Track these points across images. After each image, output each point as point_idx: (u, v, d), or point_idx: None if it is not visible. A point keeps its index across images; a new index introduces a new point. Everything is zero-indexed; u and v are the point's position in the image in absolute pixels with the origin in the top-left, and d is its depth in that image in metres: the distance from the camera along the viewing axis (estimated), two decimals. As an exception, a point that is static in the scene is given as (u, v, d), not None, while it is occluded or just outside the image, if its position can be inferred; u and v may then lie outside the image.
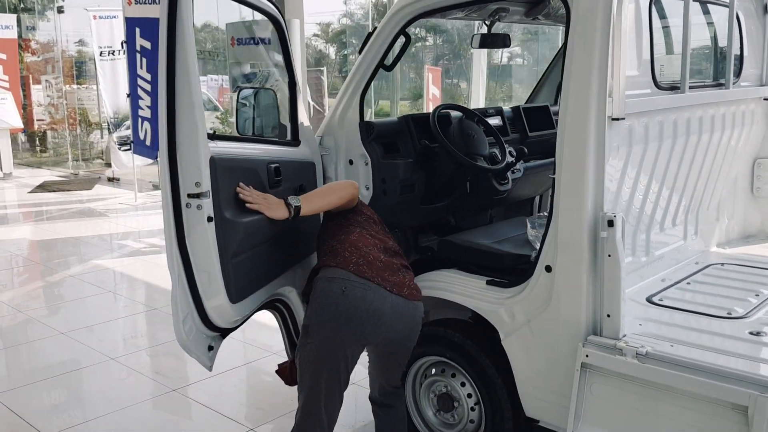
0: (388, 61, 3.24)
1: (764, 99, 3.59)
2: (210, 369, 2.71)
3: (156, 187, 11.67)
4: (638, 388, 2.36)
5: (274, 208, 2.60)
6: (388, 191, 3.36)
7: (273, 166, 2.80)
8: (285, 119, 3.27)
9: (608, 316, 2.48)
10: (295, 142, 3.17)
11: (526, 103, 4.49)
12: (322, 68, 10.13)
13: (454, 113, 3.57)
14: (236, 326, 2.76)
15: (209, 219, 2.36)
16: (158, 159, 2.47)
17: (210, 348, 2.66)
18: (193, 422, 3.79)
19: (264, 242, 2.68)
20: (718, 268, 3.26)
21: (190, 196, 2.36)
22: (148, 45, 8.50)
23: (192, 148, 2.34)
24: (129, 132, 9.78)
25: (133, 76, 8.83)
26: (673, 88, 2.92)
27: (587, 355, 2.46)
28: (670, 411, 2.29)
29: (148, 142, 9.02)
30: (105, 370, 4.39)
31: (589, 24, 2.40)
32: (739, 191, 3.73)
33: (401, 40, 3.20)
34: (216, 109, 17.77)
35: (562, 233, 2.54)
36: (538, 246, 3.05)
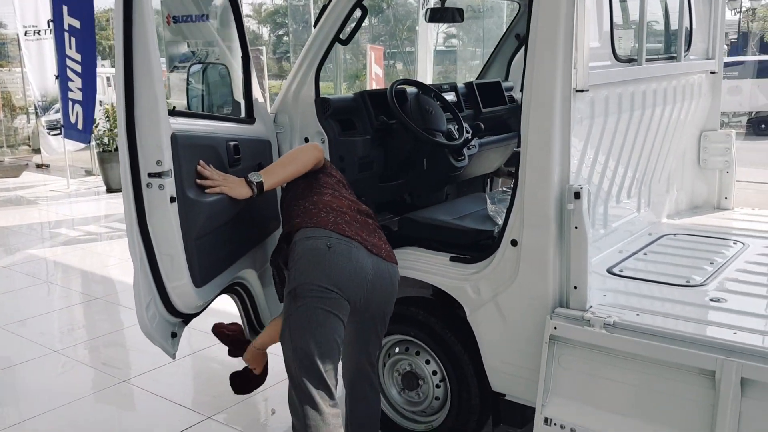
0: (345, 34, 3.15)
1: (711, 72, 3.68)
2: (173, 357, 2.60)
3: (89, 173, 11.23)
4: (606, 357, 2.39)
5: (236, 187, 2.47)
6: (347, 169, 3.29)
7: (232, 144, 2.69)
8: (238, 96, 3.15)
9: (575, 288, 2.49)
10: (250, 119, 3.06)
11: (476, 79, 4.48)
12: (261, 47, 9.88)
13: (410, 89, 3.52)
14: (199, 311, 2.65)
15: (172, 199, 2.24)
16: (117, 139, 2.31)
17: (173, 335, 2.55)
18: (146, 413, 3.66)
19: (226, 223, 2.58)
20: (671, 238, 3.34)
21: (151, 175, 2.23)
22: (77, 24, 8.13)
23: (153, 125, 2.21)
24: (59, 116, 9.35)
25: (61, 56, 8.44)
26: (631, 60, 2.94)
27: (555, 327, 2.47)
28: (639, 379, 2.32)
29: (79, 126, 8.66)
30: (47, 364, 4.19)
31: (554, -5, 2.37)
32: (687, 163, 3.82)
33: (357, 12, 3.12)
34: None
35: (528, 207, 2.53)
36: (499, 221, 3.05)
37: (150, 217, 2.25)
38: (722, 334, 2.23)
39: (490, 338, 2.74)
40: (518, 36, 4.39)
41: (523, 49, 4.47)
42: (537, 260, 2.54)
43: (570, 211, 2.44)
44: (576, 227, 2.45)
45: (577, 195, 2.42)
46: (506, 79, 4.47)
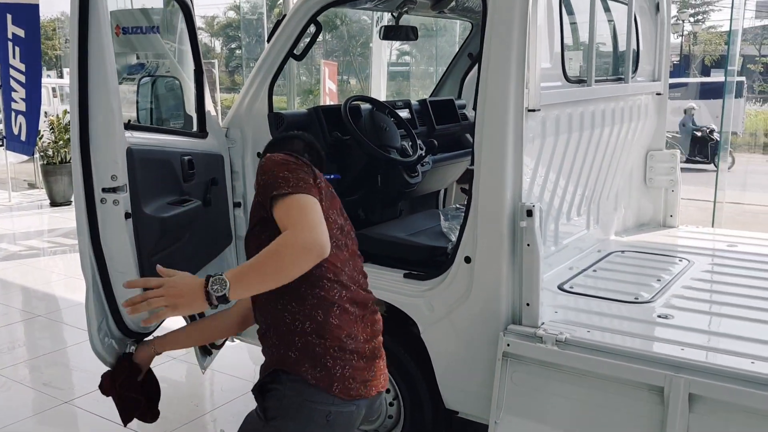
0: (299, 50, 3.14)
1: (657, 94, 3.78)
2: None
3: (32, 186, 10.89)
4: (558, 374, 2.41)
5: (187, 301, 1.66)
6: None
7: (186, 158, 2.64)
8: (189, 109, 3.10)
9: (527, 304, 2.51)
10: (202, 133, 3.01)
11: (429, 97, 4.51)
12: (213, 60, 9.77)
13: (364, 105, 3.52)
14: (152, 330, 2.57)
15: (126, 215, 2.18)
16: (71, 151, 2.21)
17: (129, 355, 2.46)
18: (90, 435, 3.54)
19: (181, 239, 2.52)
20: (619, 255, 3.40)
21: (105, 190, 2.16)
22: (21, 33, 7.89)
23: (108, 138, 2.14)
24: (0, 127, 9.05)
25: (4, 66, 8.16)
26: (580, 81, 3.00)
27: (508, 344, 2.48)
28: (590, 395, 2.34)
29: (23, 138, 8.37)
30: (-16, 385, 4.02)
31: (507, 17, 2.41)
32: (633, 182, 3.91)
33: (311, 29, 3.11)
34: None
35: (482, 224, 2.54)
36: (453, 237, 3.07)
37: (104, 234, 2.17)
38: (670, 350, 2.27)
39: (443, 355, 2.73)
40: (471, 55, 4.44)
41: (476, 68, 4.56)
42: (490, 277, 2.55)
43: (523, 229, 2.47)
44: (528, 244, 2.47)
45: (530, 213, 2.45)
46: (459, 97, 4.51)
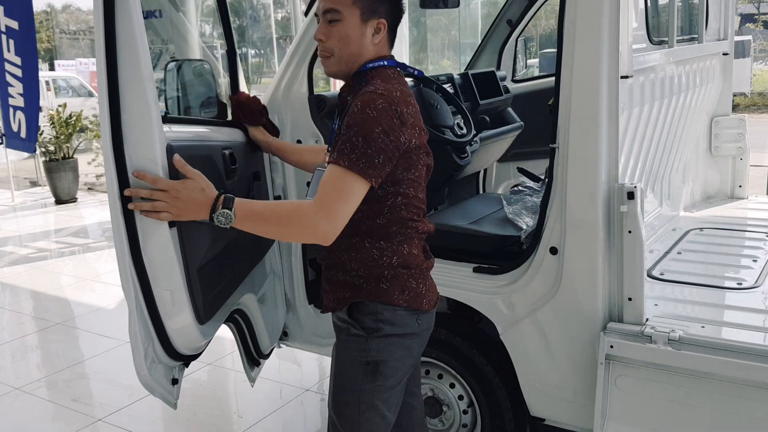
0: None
1: (723, 54, 3.46)
2: (175, 407, 2.21)
3: (34, 184, 10.54)
4: (673, 378, 2.11)
5: (191, 212, 1.78)
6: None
7: (228, 152, 2.32)
8: (221, 96, 2.78)
9: (629, 299, 2.21)
10: (238, 123, 2.68)
11: (468, 69, 4.18)
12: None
13: (409, 81, 3.20)
14: (201, 351, 2.27)
15: (171, 224, 1.85)
16: (101, 149, 1.89)
17: (174, 381, 2.17)
18: (128, 455, 3.26)
19: (227, 245, 2.21)
20: (698, 233, 3.10)
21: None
22: (15, 25, 7.53)
23: (145, 134, 1.81)
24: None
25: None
26: (661, 42, 2.68)
27: (611, 346, 2.18)
28: (714, 401, 2.06)
29: (23, 134, 8.03)
30: (10, 404, 3.72)
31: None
32: (699, 152, 3.61)
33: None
34: (90, 95, 16.41)
35: (571, 209, 2.24)
36: (522, 224, 2.76)
37: (145, 246, 1.85)
38: (807, 345, 1.98)
39: (528, 358, 2.44)
40: (510, 22, 4.12)
41: (513, 36, 4.23)
42: (583, 270, 2.25)
43: (623, 214, 2.16)
44: (630, 231, 2.16)
45: (631, 195, 2.14)
46: (498, 68, 4.19)
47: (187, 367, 2.26)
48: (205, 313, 2.08)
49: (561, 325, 2.33)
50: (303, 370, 3.97)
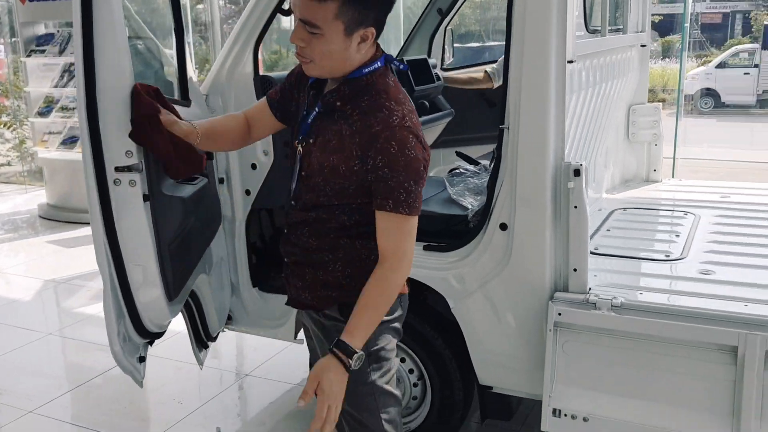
0: (287, 4, 2.82)
1: (641, 45, 3.71)
2: (141, 384, 2.18)
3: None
4: (615, 341, 2.29)
5: (343, 389, 1.73)
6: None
7: None
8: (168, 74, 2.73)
9: (575, 270, 2.36)
10: (185, 101, 2.65)
11: (398, 56, 4.27)
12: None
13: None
14: (164, 331, 2.25)
15: (145, 198, 1.83)
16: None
17: (141, 359, 2.14)
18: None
19: (190, 224, 2.19)
20: (622, 213, 3.33)
21: (119, 169, 1.81)
22: None
23: (121, 107, 1.78)
24: None
25: None
26: (595, 31, 2.86)
27: (559, 313, 2.33)
28: (650, 360, 2.24)
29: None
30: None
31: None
32: (619, 138, 3.85)
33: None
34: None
35: (521, 187, 2.36)
36: (466, 204, 2.88)
37: (119, 221, 1.82)
38: (734, 307, 2.19)
39: (478, 330, 2.56)
40: (440, 11, 4.23)
41: (443, 25, 4.35)
42: (532, 244, 2.38)
43: (570, 190, 2.31)
44: (576, 206, 2.32)
45: (577, 172, 2.29)
46: (429, 55, 4.30)
47: (151, 345, 2.23)
48: (174, 289, 2.06)
49: (510, 296, 2.46)
50: (242, 355, 3.95)
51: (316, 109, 1.77)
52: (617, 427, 2.26)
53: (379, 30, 1.70)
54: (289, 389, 3.57)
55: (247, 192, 3.01)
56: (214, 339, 2.91)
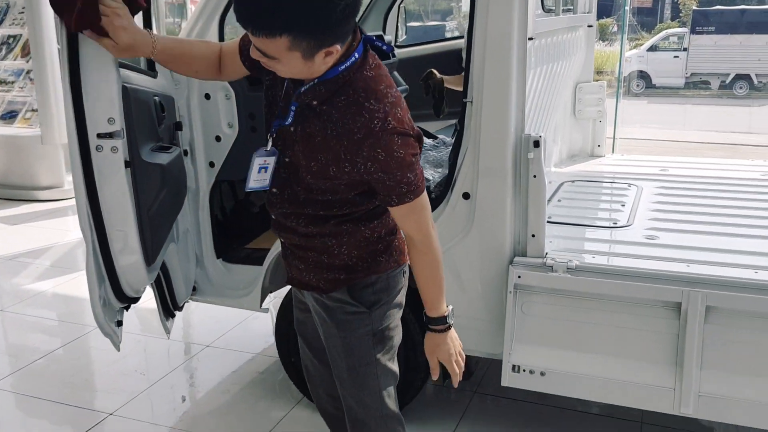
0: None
1: (588, 26, 3.89)
2: (119, 348, 2.22)
3: None
4: (570, 300, 2.46)
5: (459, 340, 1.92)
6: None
7: (157, 99, 2.33)
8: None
9: (533, 236, 2.52)
10: (152, 72, 2.67)
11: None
12: None
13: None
14: (139, 297, 2.29)
15: (126, 164, 1.87)
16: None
17: (119, 323, 2.18)
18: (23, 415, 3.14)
19: (169, 188, 2.24)
20: (571, 185, 3.52)
21: (101, 136, 1.84)
22: None
23: (102, 74, 1.81)
24: None
25: None
26: (549, 10, 3.00)
27: (519, 276, 2.48)
28: (602, 317, 2.42)
29: None
30: None
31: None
32: (566, 115, 4.04)
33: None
34: None
35: (484, 158, 2.49)
36: (427, 176, 3.00)
37: (101, 188, 1.86)
38: (678, 267, 2.39)
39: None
40: (395, -12, 4.32)
41: (397, 3, 4.43)
42: (493, 211, 2.53)
43: (529, 160, 2.45)
44: (535, 176, 2.47)
45: (536, 143, 2.44)
46: (384, 31, 4.38)
47: (126, 311, 2.28)
48: (152, 254, 2.11)
49: (472, 262, 2.60)
50: (201, 327, 3.99)
51: (292, 108, 1.69)
52: (572, 379, 2.44)
53: (345, 40, 1.58)
54: (251, 358, 3.65)
55: (211, 164, 3.04)
56: (180, 308, 2.95)
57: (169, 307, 2.86)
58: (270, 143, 1.75)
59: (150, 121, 2.17)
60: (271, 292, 3.16)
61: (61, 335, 3.91)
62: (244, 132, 2.99)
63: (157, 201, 2.15)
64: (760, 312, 2.22)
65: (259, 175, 1.73)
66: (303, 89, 1.64)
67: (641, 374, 2.35)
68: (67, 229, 6.05)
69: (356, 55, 1.62)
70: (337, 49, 1.57)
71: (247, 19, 1.48)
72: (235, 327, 3.97)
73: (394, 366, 2.00)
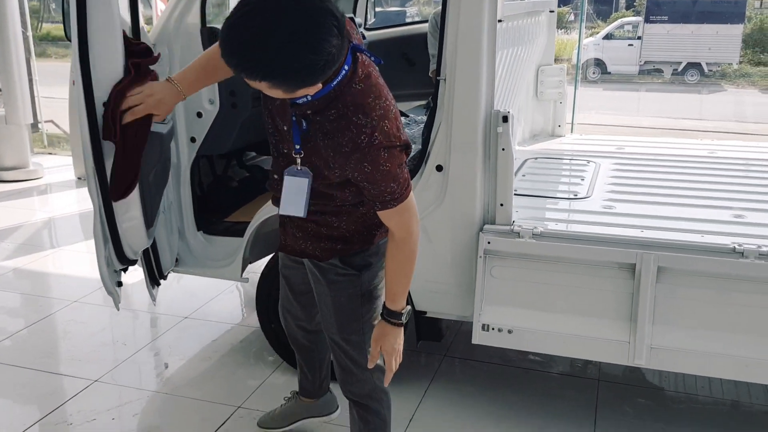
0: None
1: (550, 11, 4.09)
2: (118, 308, 2.35)
3: None
4: (534, 264, 2.66)
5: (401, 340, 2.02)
6: (240, 104, 3.16)
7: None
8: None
9: (501, 205, 2.71)
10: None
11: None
12: None
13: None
14: (136, 260, 2.42)
15: None
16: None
17: (119, 284, 2.31)
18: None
19: (164, 156, 2.36)
20: (534, 162, 3.73)
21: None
22: None
23: (109, 41, 1.92)
24: None
25: None
26: (515, -5, 3.19)
27: (489, 242, 2.68)
28: (565, 279, 2.63)
29: None
30: None
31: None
32: (528, 96, 4.24)
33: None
34: None
35: (456, 132, 2.67)
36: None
37: (107, 155, 1.98)
38: (632, 233, 2.61)
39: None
40: (365, -29, 4.45)
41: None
42: (465, 182, 2.71)
43: (498, 134, 2.64)
44: (503, 149, 2.65)
45: (505, 119, 2.62)
46: (354, 13, 4.52)
47: (125, 272, 2.40)
48: (150, 217, 2.24)
49: (445, 230, 2.78)
50: (179, 301, 4.10)
51: (293, 118, 1.79)
52: (537, 336, 2.65)
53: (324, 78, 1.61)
54: (229, 329, 3.78)
55: (192, 139, 3.16)
56: (164, 277, 3.08)
57: (155, 275, 2.98)
58: (299, 161, 1.82)
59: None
60: (250, 263, 3.30)
61: (39, 310, 3.98)
62: (225, 108, 3.11)
63: (155, 169, 2.27)
64: (706, 271, 2.46)
65: (294, 197, 1.85)
66: (299, 101, 1.73)
67: (599, 330, 2.57)
68: (34, 209, 6.07)
69: (346, 68, 1.69)
70: (318, 86, 1.63)
71: (229, 61, 1.53)
72: (211, 300, 4.09)
73: (377, 321, 2.15)
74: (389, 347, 2.00)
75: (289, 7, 1.48)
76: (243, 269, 3.22)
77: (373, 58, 1.81)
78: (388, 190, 1.79)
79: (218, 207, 3.51)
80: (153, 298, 3.02)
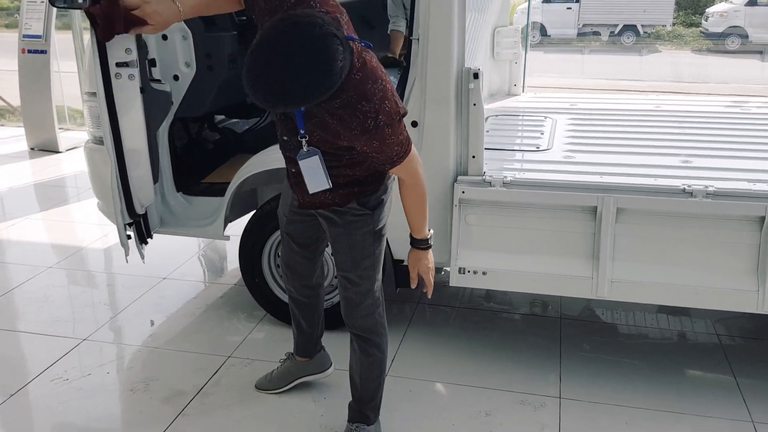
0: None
1: (504, -24, 4.28)
2: (128, 261, 2.47)
3: None
4: (505, 210, 2.89)
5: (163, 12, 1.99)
6: (216, 67, 3.26)
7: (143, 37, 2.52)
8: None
9: (473, 157, 2.92)
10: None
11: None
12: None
13: None
14: (143, 214, 2.54)
15: (141, 90, 2.11)
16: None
17: (129, 237, 2.43)
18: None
19: (164, 116, 2.47)
20: (495, 119, 3.94)
21: (119, 65, 2.05)
22: None
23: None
24: None
25: None
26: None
27: (463, 192, 2.88)
28: (532, 222, 2.86)
29: None
30: None
31: None
32: (486, 57, 4.44)
33: None
34: None
35: (430, 89, 2.85)
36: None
37: (120, 113, 2.10)
38: (593, 179, 2.85)
39: (393, 211, 3.05)
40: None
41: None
42: (439, 137, 2.90)
43: (470, 90, 2.83)
44: (474, 104, 2.85)
45: (476, 75, 2.81)
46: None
47: (130, 227, 2.52)
48: (155, 172, 2.36)
49: (421, 182, 2.97)
50: (155, 263, 4.18)
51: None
52: (509, 276, 2.89)
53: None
54: (208, 287, 3.91)
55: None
56: (151, 236, 3.18)
57: (143, 234, 3.08)
58: (305, 144, 2.03)
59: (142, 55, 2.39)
60: (231, 221, 3.43)
61: (13, 278, 4.02)
62: (202, 71, 3.21)
63: (158, 125, 2.39)
64: (660, 210, 2.73)
65: (314, 175, 2.06)
66: None
67: (566, 267, 2.82)
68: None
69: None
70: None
71: (255, 98, 1.71)
72: (188, 261, 4.21)
73: (382, 257, 2.41)
74: (424, 267, 2.31)
75: (296, 42, 1.66)
76: (224, 227, 3.35)
77: (362, 44, 1.96)
78: (394, 154, 2.02)
79: (194, 168, 3.61)
80: (141, 255, 3.13)
